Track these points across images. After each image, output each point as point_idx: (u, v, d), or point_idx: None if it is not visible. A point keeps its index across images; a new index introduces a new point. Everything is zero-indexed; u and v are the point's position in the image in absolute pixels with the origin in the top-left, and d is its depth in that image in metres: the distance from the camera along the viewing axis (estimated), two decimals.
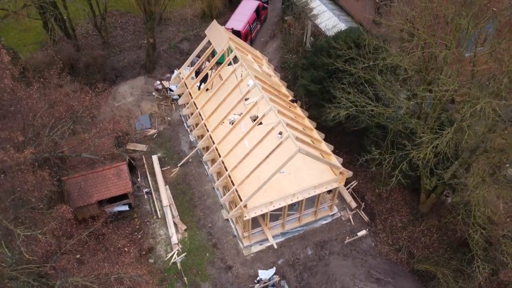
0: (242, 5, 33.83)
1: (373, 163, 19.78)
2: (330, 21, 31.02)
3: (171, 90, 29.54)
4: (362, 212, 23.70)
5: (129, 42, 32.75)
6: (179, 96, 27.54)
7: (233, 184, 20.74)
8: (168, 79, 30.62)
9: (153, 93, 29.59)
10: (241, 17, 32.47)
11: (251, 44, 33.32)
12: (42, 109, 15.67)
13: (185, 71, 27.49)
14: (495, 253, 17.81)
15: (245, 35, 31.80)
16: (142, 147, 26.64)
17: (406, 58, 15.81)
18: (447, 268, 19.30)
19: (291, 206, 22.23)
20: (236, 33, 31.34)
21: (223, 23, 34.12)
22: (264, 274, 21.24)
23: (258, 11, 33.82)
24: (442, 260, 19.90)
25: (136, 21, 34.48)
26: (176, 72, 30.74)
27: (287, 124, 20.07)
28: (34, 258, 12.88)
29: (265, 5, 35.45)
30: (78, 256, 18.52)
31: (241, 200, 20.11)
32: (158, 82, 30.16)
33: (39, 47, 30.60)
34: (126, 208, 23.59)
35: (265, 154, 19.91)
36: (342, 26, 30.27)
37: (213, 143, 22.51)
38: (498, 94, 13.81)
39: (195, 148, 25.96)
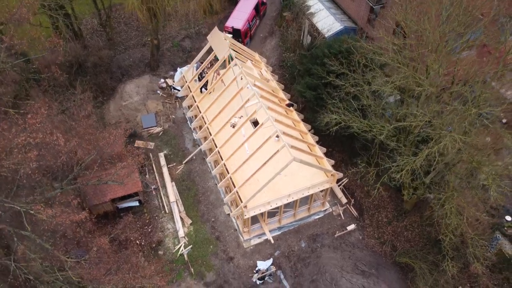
0: (241, 2, 34.76)
1: (362, 162, 21.79)
2: (326, 20, 32.27)
3: (175, 88, 31.15)
4: (352, 208, 26.01)
5: (133, 39, 34.03)
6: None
7: (234, 186, 22.90)
8: (172, 76, 32.18)
9: (158, 91, 31.26)
10: (240, 15, 33.57)
11: (251, 40, 34.66)
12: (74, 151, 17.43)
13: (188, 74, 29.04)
14: (466, 250, 20.18)
15: (245, 33, 33.09)
16: (149, 144, 28.60)
17: (388, 85, 17.56)
18: (424, 262, 21.77)
19: (287, 204, 24.45)
20: (236, 31, 32.66)
21: (223, 19, 35.35)
22: (262, 265, 23.74)
23: (257, 7, 34.84)
24: (420, 254, 22.35)
25: (139, 17, 35.55)
26: (179, 70, 32.32)
27: (283, 133, 22.00)
28: (79, 280, 15.09)
29: (264, 0, 36.40)
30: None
31: (241, 201, 22.34)
32: (162, 80, 31.75)
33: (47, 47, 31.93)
34: (136, 203, 25.84)
35: (264, 157, 21.94)
36: (338, 26, 31.67)
37: (216, 146, 24.50)
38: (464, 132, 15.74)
39: (199, 145, 27.92)
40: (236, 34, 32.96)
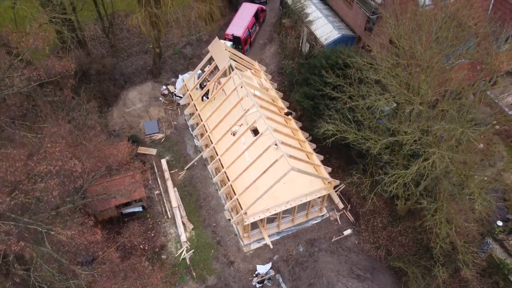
0: (241, 9, 35.54)
1: (357, 172, 22.68)
2: (324, 28, 33.01)
3: (177, 95, 31.93)
4: (348, 213, 26.89)
5: (135, 46, 34.76)
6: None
7: (235, 193, 23.76)
8: (173, 83, 32.97)
9: (160, 98, 32.05)
10: (240, 22, 34.33)
11: (250, 47, 35.43)
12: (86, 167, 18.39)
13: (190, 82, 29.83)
14: (457, 256, 21.08)
15: (245, 40, 33.85)
16: (152, 151, 29.43)
17: (381, 101, 18.38)
18: (417, 267, 22.68)
19: (286, 210, 25.31)
20: (236, 38, 33.43)
21: (224, 25, 36.07)
22: (262, 269, 24.65)
23: (257, 14, 35.58)
24: (413, 259, 23.26)
25: (143, 30, 36.28)
26: (180, 76, 33.10)
27: (282, 142, 22.84)
28: None
29: (264, 7, 37.11)
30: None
31: (241, 208, 23.22)
32: (164, 87, 32.53)
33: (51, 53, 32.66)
34: (140, 209, 26.70)
35: (263, 165, 22.76)
36: (336, 34, 32.41)
37: (217, 154, 25.34)
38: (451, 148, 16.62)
39: (200, 152, 28.76)
40: (236, 41, 33.74)
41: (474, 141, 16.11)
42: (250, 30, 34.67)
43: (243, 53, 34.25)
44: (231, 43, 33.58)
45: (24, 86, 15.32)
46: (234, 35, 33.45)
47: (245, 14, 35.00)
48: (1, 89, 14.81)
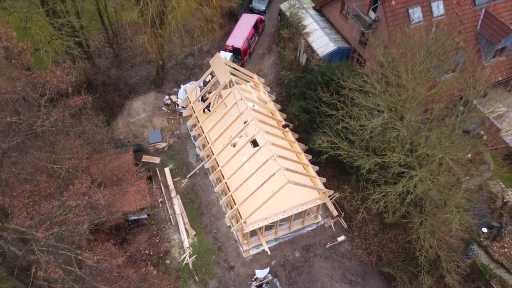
0: (241, 20, 36.76)
1: (348, 188, 24.22)
2: (321, 40, 34.33)
3: (179, 106, 33.29)
4: (342, 220, 28.43)
5: (138, 56, 36.01)
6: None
7: (235, 203, 25.26)
8: (176, 93, 34.30)
9: (163, 108, 33.41)
10: (240, 34, 35.60)
11: (250, 57, 36.73)
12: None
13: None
14: (441, 264, 22.66)
15: (244, 51, 35.16)
16: (155, 159, 30.86)
17: (371, 125, 19.83)
18: (405, 273, 24.27)
19: (283, 219, 26.82)
20: (236, 49, 34.74)
21: (224, 35, 37.29)
22: (260, 273, 26.22)
23: (256, 25, 36.82)
24: (402, 265, 24.84)
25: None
26: (182, 86, 34.42)
27: (279, 156, 24.29)
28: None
29: (262, 17, 38.32)
30: None
31: (241, 217, 24.74)
32: (167, 97, 33.87)
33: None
34: (145, 216, 28.19)
35: (262, 177, 24.20)
36: (332, 46, 33.74)
37: (218, 165, 26.79)
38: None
39: (202, 161, 30.19)
40: (236, 52, 35.06)
41: (453, 165, 17.58)
42: (250, 41, 35.94)
43: (243, 63, 35.64)
44: (231, 54, 34.89)
45: (52, 125, 16.85)
46: (234, 46, 34.73)
47: (244, 25, 36.24)
48: (32, 128, 16.27)
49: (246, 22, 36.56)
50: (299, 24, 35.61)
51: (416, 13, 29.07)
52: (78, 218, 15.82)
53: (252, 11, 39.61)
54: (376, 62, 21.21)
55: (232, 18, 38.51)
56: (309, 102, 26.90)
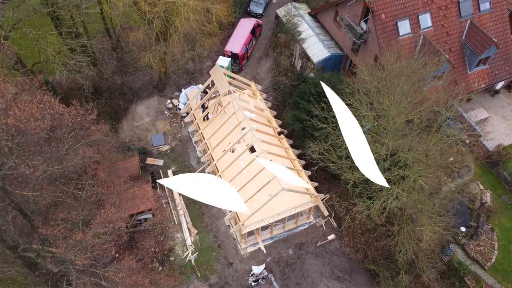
0: (239, 26, 38.29)
1: (337, 196, 26.54)
2: (315, 47, 36.03)
3: (181, 110, 35.21)
4: (332, 220, 30.81)
5: (141, 60, 37.56)
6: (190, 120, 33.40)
7: None
8: (177, 97, 36.15)
9: (165, 112, 35.33)
10: (238, 39, 37.23)
11: (247, 61, 38.44)
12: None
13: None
14: (418, 264, 25.15)
15: (242, 57, 36.88)
16: (159, 161, 32.98)
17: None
18: (387, 270, 26.79)
19: (278, 220, 29.17)
20: (235, 55, 36.45)
21: (223, 40, 38.84)
22: (257, 269, 28.72)
23: (253, 30, 38.39)
24: (385, 263, 27.35)
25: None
26: (183, 91, 36.25)
27: None
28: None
29: (260, 22, 39.84)
30: None
31: (239, 220, 27.06)
32: (169, 101, 35.75)
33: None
34: (150, 216, 30.47)
35: (259, 182, 26.39)
36: (325, 53, 35.49)
37: (218, 170, 28.96)
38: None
39: (202, 163, 32.30)
40: (235, 57, 36.78)
41: (424, 185, 19.81)
42: (247, 46, 37.58)
43: (241, 67, 37.42)
44: (230, 59, 36.61)
45: (79, 162, 19.12)
46: (233, 52, 36.43)
47: (242, 31, 37.81)
48: (64, 166, 18.37)
49: (244, 28, 38.07)
50: (295, 30, 37.20)
51: (405, 26, 30.81)
52: (105, 245, 18.17)
53: (249, 14, 41.09)
54: (363, 87, 23.13)
55: (231, 23, 39.96)
56: (302, 111, 28.88)
